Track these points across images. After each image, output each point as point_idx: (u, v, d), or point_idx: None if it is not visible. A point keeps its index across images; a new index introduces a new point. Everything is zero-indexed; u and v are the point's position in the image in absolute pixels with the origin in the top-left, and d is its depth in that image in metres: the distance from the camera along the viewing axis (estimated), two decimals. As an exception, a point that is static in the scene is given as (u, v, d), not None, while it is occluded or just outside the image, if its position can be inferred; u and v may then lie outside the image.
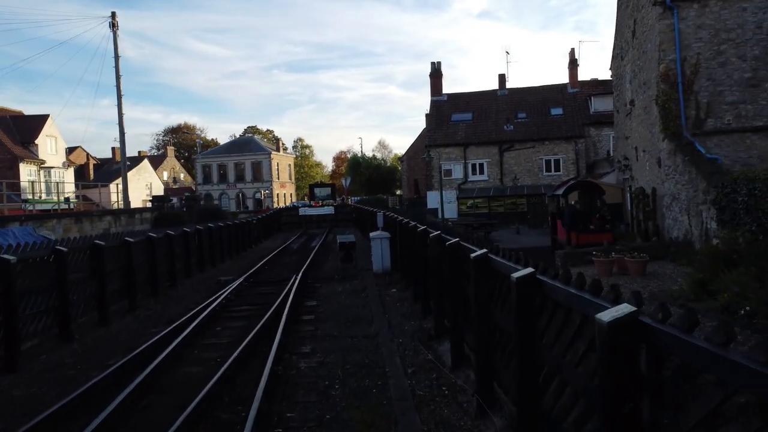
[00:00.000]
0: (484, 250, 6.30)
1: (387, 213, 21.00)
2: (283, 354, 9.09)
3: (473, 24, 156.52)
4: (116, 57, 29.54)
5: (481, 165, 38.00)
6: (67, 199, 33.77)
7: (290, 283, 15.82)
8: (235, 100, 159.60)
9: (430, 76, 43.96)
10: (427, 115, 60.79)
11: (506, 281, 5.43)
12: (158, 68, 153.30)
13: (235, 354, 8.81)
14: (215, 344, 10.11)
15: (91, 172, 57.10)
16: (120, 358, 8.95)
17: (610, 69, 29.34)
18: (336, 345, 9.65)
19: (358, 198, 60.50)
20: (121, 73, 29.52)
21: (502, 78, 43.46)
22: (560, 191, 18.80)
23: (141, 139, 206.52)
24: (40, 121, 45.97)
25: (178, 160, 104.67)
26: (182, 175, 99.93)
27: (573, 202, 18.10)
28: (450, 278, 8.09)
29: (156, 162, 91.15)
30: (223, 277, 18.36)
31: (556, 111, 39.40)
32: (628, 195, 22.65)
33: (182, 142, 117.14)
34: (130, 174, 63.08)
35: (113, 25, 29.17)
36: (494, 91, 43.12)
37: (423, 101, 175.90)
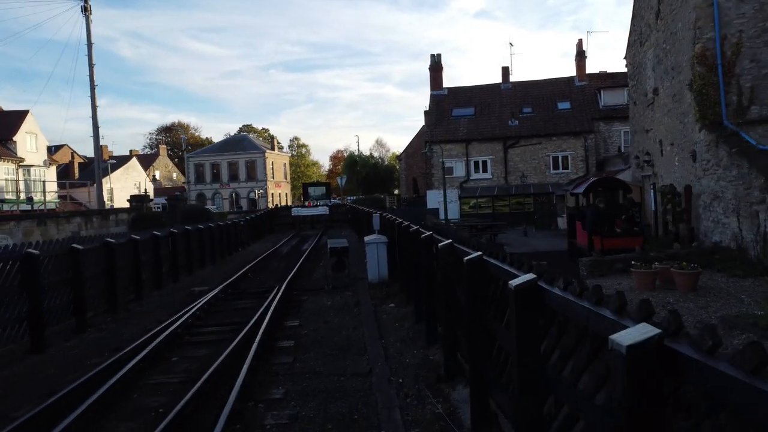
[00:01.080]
0: (531, 276, 4.07)
1: (384, 214, 18.80)
2: (246, 403, 6.88)
3: (470, 23, 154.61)
4: (89, 44, 27.33)
5: (485, 162, 35.83)
6: (29, 199, 31.35)
7: (272, 295, 13.65)
8: (232, 100, 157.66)
9: (429, 69, 41.76)
10: (426, 113, 58.69)
11: (568, 323, 3.40)
12: (154, 68, 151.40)
13: (183, 402, 6.60)
14: (163, 385, 7.88)
15: (76, 170, 54.74)
16: (29, 409, 6.72)
17: (625, 58, 27.17)
18: (317, 386, 7.45)
19: (354, 198, 58.27)
20: (94, 62, 27.34)
21: (505, 71, 41.25)
22: (580, 189, 16.59)
23: (137, 138, 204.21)
24: (18, 117, 43.62)
25: (172, 159, 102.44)
26: (175, 175, 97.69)
27: (595, 201, 15.93)
28: (469, 307, 5.87)
29: (147, 161, 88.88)
30: (198, 287, 16.14)
31: (564, 105, 37.22)
32: (651, 193, 20.45)
33: (176, 141, 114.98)
34: (117, 173, 60.79)
35: (85, 9, 26.90)
36: (497, 84, 40.93)
37: (421, 101, 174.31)
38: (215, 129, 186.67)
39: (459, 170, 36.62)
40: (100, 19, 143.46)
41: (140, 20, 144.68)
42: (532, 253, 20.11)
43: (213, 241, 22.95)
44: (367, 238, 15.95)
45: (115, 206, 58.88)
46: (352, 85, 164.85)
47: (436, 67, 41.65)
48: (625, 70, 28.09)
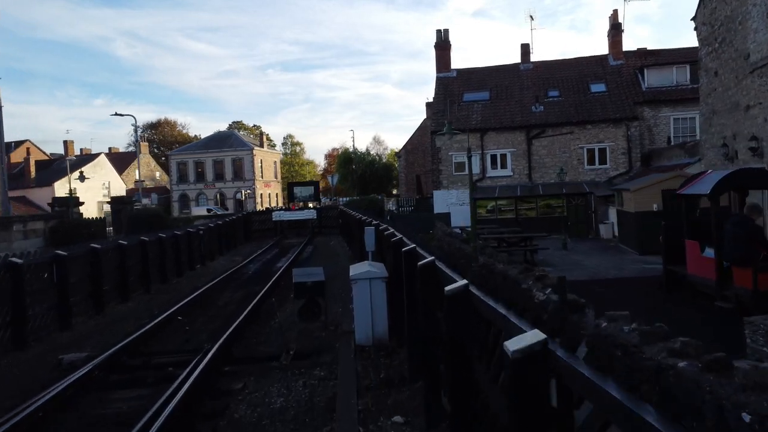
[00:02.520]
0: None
1: (382, 227, 12.46)
2: None
3: (468, 23, 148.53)
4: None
5: (503, 156, 29.54)
6: None
7: (183, 376, 7.47)
8: (228, 100, 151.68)
9: (435, 47, 35.42)
10: (428, 104, 52.38)
11: None
12: (151, 67, 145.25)
13: None
14: None
15: (32, 170, 48.22)
16: None
17: (694, 19, 20.87)
18: None
19: (348, 199, 51.85)
20: None
21: (525, 49, 34.91)
22: (703, 187, 10.19)
23: (131, 138, 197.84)
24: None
25: (158, 158, 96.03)
26: (158, 174, 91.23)
27: (743, 209, 9.56)
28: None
29: (127, 160, 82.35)
30: (74, 353, 9.76)
31: (598, 87, 30.94)
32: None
33: (162, 139, 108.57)
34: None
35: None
36: (515, 65, 34.61)
37: (419, 101, 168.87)
38: (211, 129, 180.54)
39: (472, 166, 30.24)
40: (95, 19, 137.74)
41: (136, 20, 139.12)
42: (598, 281, 13.79)
43: (146, 261, 16.61)
44: (353, 271, 9.64)
45: (82, 208, 52.56)
46: (350, 85, 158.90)
47: (443, 44, 35.31)
48: (666, 46, 21.63)
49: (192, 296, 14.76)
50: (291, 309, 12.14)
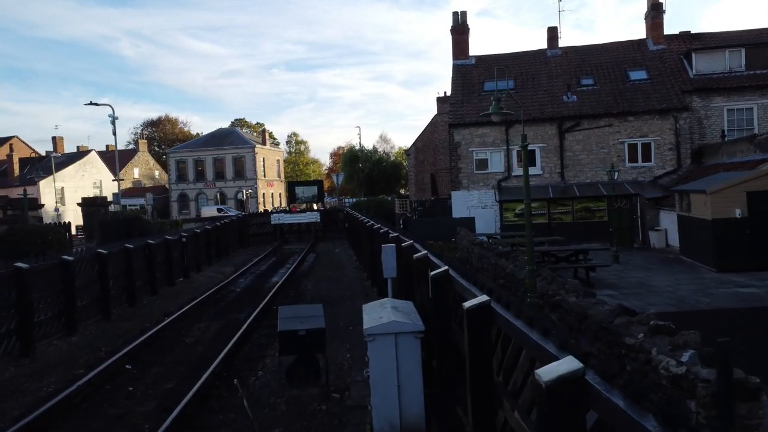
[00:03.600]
0: None
1: (404, 241, 8.89)
2: None
3: (471, 22, 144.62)
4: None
5: (532, 152, 25.97)
6: None
7: None
8: (232, 99, 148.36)
9: (451, 31, 31.83)
10: (439, 101, 48.89)
11: None
12: (154, 66, 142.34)
13: None
14: None
15: (16, 167, 44.87)
16: None
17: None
18: None
19: (355, 200, 48.29)
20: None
21: (552, 33, 31.27)
22: None
23: (131, 136, 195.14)
24: None
25: (159, 156, 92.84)
26: (157, 173, 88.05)
27: None
28: None
29: (125, 157, 79.04)
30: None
31: (638, 74, 27.28)
32: None
33: (163, 137, 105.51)
34: (69, 170, 51.03)
35: None
36: (542, 51, 30.98)
37: (424, 100, 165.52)
38: (214, 128, 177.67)
39: (496, 164, 26.72)
40: (100, 18, 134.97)
41: (139, 19, 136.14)
42: (692, 315, 10.21)
43: (104, 279, 13.15)
44: (370, 318, 6.14)
45: (66, 209, 49.23)
46: (354, 84, 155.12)
47: (460, 28, 31.72)
48: (713, 29, 17.91)
49: (155, 328, 11.34)
50: (276, 356, 8.66)
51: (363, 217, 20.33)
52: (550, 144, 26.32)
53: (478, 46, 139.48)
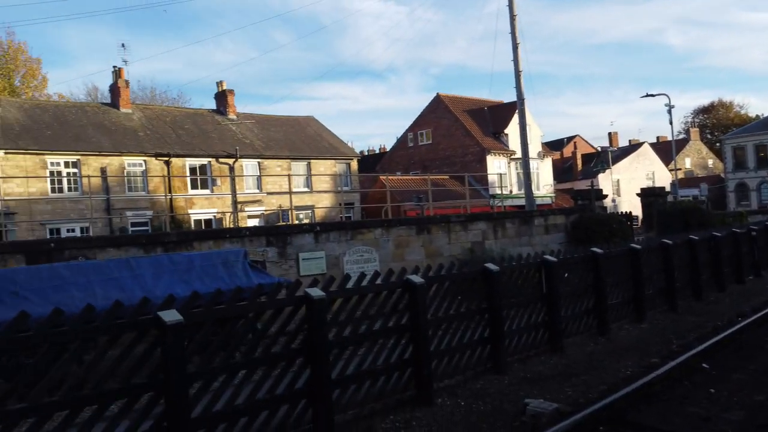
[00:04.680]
0: None
1: None
2: None
3: None
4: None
5: None
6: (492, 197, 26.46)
7: None
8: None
9: None
10: None
11: None
12: (703, 50, 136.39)
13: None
14: None
15: (579, 162, 49.73)
16: None
17: None
18: None
19: None
20: (516, 13, 20.37)
21: None
22: None
23: (681, 126, 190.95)
24: (510, 109, 41.70)
25: (712, 144, 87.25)
26: (711, 162, 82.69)
27: None
28: None
29: (676, 147, 77.16)
30: (536, 402, 7.35)
31: None
32: None
33: (716, 123, 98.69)
34: (624, 163, 53.06)
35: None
36: None
37: None
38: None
39: None
40: (646, 13, 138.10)
41: (686, 4, 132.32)
42: None
43: (668, 268, 12.87)
44: None
45: (621, 200, 51.47)
46: None
47: None
48: None
49: (731, 330, 10.33)
50: None
51: None
52: None
53: None
